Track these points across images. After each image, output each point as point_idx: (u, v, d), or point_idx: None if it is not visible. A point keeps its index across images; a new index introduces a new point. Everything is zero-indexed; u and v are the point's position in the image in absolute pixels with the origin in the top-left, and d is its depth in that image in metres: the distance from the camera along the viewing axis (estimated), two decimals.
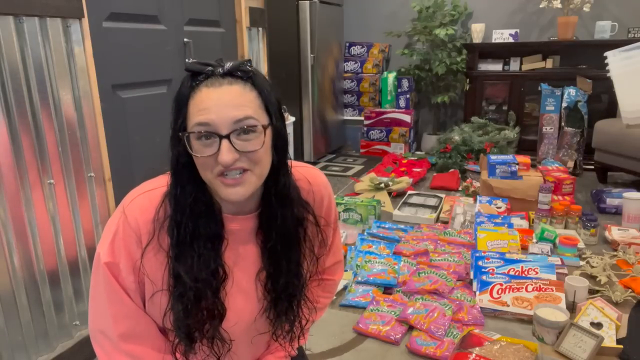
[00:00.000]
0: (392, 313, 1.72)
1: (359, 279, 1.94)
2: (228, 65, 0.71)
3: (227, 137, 0.69)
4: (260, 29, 2.72)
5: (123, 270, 0.75)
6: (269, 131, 0.73)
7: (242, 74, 0.72)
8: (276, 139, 0.76)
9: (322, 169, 3.84)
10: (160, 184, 0.78)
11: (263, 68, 2.78)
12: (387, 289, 1.91)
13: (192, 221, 0.75)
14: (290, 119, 3.56)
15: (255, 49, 2.70)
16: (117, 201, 1.70)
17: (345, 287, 1.92)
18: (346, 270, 2.07)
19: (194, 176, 0.74)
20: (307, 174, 0.88)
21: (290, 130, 3.56)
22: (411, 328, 1.65)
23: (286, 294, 0.83)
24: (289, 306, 0.85)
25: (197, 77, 0.72)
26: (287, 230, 0.81)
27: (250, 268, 0.83)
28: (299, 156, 3.91)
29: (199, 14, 2.19)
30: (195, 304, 0.75)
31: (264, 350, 0.96)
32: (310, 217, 0.85)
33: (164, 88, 1.98)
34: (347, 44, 4.53)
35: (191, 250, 0.75)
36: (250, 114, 0.70)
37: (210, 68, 0.71)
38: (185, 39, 2.10)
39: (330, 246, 0.98)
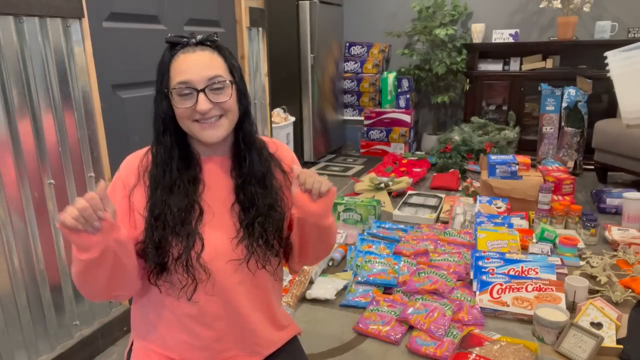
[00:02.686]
0: (392, 313, 1.72)
1: (359, 279, 1.94)
2: (199, 37, 0.90)
3: (203, 90, 0.87)
4: (260, 29, 2.72)
5: (116, 192, 0.94)
6: (234, 87, 0.91)
7: (210, 43, 0.90)
8: (240, 95, 0.93)
9: (322, 169, 3.85)
10: (149, 147, 0.96)
11: (263, 68, 2.78)
12: (387, 289, 1.91)
13: (173, 163, 0.91)
14: (290, 119, 3.56)
15: (255, 49, 2.70)
16: None
17: (345, 287, 1.92)
18: (346, 270, 2.07)
19: (175, 127, 0.91)
20: (275, 141, 1.04)
21: (290, 130, 3.57)
22: (411, 328, 1.65)
23: (259, 221, 0.93)
24: (264, 231, 0.93)
25: (175, 47, 0.89)
26: (255, 168, 0.95)
27: (226, 202, 0.95)
28: (299, 156, 3.91)
29: (199, 14, 2.19)
30: (170, 233, 0.88)
31: (255, 299, 0.97)
32: (276, 163, 0.99)
33: None
34: (347, 44, 4.53)
35: (170, 189, 0.90)
36: (220, 73, 0.89)
37: (185, 39, 0.89)
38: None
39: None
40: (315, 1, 3.66)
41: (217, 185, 0.95)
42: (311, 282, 1.95)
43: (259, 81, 2.75)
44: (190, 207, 0.91)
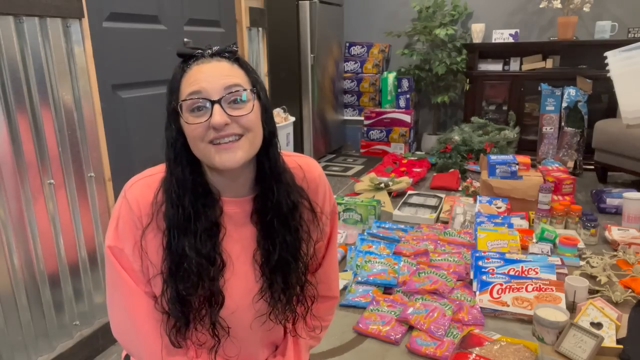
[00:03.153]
0: (392, 313, 1.72)
1: (359, 279, 1.94)
2: (215, 47, 0.78)
3: (218, 102, 0.73)
4: (260, 29, 2.72)
5: (129, 254, 0.78)
6: (257, 101, 0.77)
7: (229, 54, 0.78)
8: (264, 113, 0.79)
9: (323, 168, 3.84)
10: (159, 170, 0.82)
11: (263, 68, 2.78)
12: (387, 289, 1.91)
13: (190, 203, 0.77)
14: (290, 119, 3.56)
15: (255, 49, 2.70)
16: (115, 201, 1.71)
17: (345, 287, 1.92)
18: (346, 270, 2.07)
19: (191, 158, 0.77)
20: (300, 163, 0.89)
21: (290, 130, 3.56)
22: (411, 328, 1.65)
23: (281, 272, 0.83)
24: (285, 286, 0.84)
25: (188, 60, 0.77)
26: (282, 209, 0.81)
27: (247, 250, 0.84)
28: None
29: (199, 14, 2.19)
30: (191, 289, 0.77)
31: (267, 341, 0.94)
32: (305, 202, 0.85)
33: (164, 88, 1.97)
34: (347, 44, 4.53)
35: (189, 235, 0.77)
36: (239, 82, 0.75)
37: (199, 51, 0.77)
38: (185, 39, 2.10)
39: (325, 256, 0.96)
40: (315, 1, 3.66)
41: (238, 231, 0.83)
42: None
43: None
44: (212, 259, 0.78)
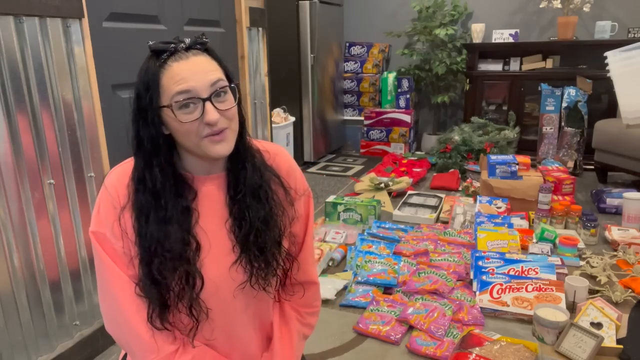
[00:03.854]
0: (392, 313, 1.72)
1: (359, 279, 1.94)
2: (188, 40, 0.79)
3: (209, 99, 0.77)
4: (260, 29, 2.72)
5: (110, 237, 0.81)
6: (236, 91, 0.82)
7: (201, 46, 0.80)
8: (238, 101, 0.84)
9: (322, 169, 3.84)
10: (131, 161, 0.85)
11: (263, 68, 2.78)
12: (387, 289, 1.91)
13: (163, 191, 0.80)
14: (290, 119, 3.56)
15: (255, 49, 2.70)
16: None
17: (345, 287, 1.92)
18: (346, 270, 2.07)
19: (167, 150, 0.81)
20: (269, 148, 0.94)
21: (290, 130, 3.57)
22: (411, 328, 1.65)
23: (255, 240, 0.86)
24: (261, 252, 0.86)
25: (160, 55, 0.78)
26: (254, 182, 0.86)
27: (221, 224, 0.87)
28: (299, 156, 3.91)
29: (198, 14, 2.19)
30: (166, 272, 0.79)
31: (256, 321, 0.93)
32: (276, 179, 0.90)
33: None
34: (347, 44, 4.53)
35: (160, 222, 0.80)
36: (220, 76, 0.79)
37: (173, 45, 0.78)
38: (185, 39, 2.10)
39: (304, 238, 0.97)
40: (315, 1, 3.66)
41: (212, 208, 0.86)
42: None
43: (258, 81, 2.75)
44: (186, 241, 0.81)
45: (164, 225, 0.80)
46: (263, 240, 0.86)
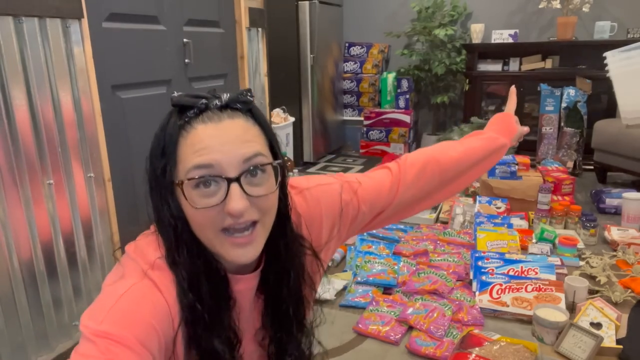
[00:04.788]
0: (392, 313, 1.72)
1: (359, 279, 1.94)
2: (226, 96, 0.60)
3: (237, 179, 0.57)
4: (259, 29, 2.73)
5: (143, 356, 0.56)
6: (279, 172, 0.62)
7: (243, 105, 0.61)
8: (282, 184, 0.66)
9: (322, 169, 3.85)
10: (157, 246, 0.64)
11: (263, 68, 2.79)
12: (387, 289, 1.91)
13: (203, 286, 0.62)
14: (290, 119, 3.56)
15: (254, 50, 2.70)
16: (117, 202, 1.71)
17: (345, 288, 1.92)
18: (345, 271, 2.07)
19: (191, 237, 0.62)
20: (300, 200, 0.76)
21: (289, 130, 3.57)
22: (411, 328, 1.65)
23: (290, 342, 0.72)
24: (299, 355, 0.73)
25: (186, 112, 0.59)
26: (298, 286, 0.69)
27: (253, 329, 0.71)
28: (299, 157, 3.91)
29: (198, 15, 2.20)
30: None
31: None
32: (309, 252, 0.73)
33: (164, 88, 1.98)
34: (347, 44, 4.53)
35: (214, 328, 0.63)
36: (260, 150, 0.59)
37: (204, 101, 0.59)
38: (184, 40, 2.10)
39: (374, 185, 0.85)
40: (315, 1, 3.66)
41: (246, 306, 0.69)
42: None
43: (258, 81, 2.76)
44: (229, 340, 0.65)
45: (208, 323, 0.62)
46: (300, 338, 0.73)
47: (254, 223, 0.60)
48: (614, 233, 2.28)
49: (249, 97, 0.62)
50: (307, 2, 3.64)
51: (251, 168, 0.58)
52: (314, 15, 3.68)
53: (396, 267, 2.00)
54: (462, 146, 0.95)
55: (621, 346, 1.45)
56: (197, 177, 0.56)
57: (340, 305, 1.82)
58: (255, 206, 0.59)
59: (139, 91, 1.87)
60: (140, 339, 0.54)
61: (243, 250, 0.60)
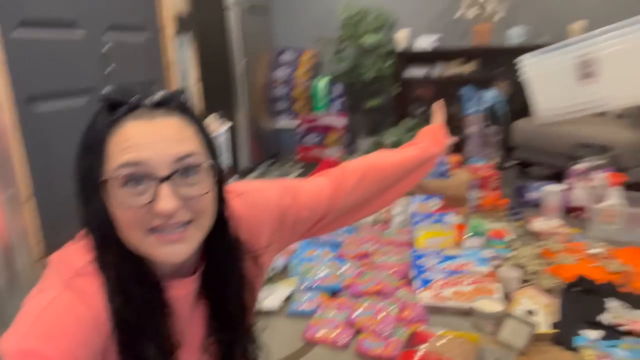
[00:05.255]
0: (340, 317, 1.71)
1: (305, 285, 1.92)
2: (160, 94, 0.58)
3: (168, 178, 0.55)
4: (187, 35, 2.64)
5: None
6: (214, 173, 0.61)
7: (178, 105, 0.59)
8: (220, 185, 0.64)
9: (260, 176, 3.79)
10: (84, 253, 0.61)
11: (192, 75, 2.70)
12: (333, 293, 1.91)
13: (129, 296, 0.58)
14: (225, 125, 3.47)
15: (183, 56, 2.61)
16: (44, 222, 1.56)
17: (290, 295, 1.90)
18: (290, 277, 2.04)
19: (120, 239, 0.59)
20: (240, 204, 0.74)
21: (226, 137, 3.48)
22: (359, 330, 1.65)
23: (237, 348, 0.71)
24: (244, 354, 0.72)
25: (116, 109, 0.57)
26: (239, 290, 0.68)
27: (192, 343, 0.67)
28: (236, 164, 3.83)
29: (121, 19, 2.08)
30: None
31: None
32: (248, 255, 0.72)
33: (85, 98, 1.85)
34: (278, 50, 4.52)
35: (145, 332, 0.60)
36: (194, 150, 0.58)
37: (137, 97, 0.57)
38: (106, 46, 1.98)
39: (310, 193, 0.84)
40: (242, 8, 3.62)
41: (183, 315, 0.66)
42: None
43: (189, 89, 2.66)
44: (162, 348, 0.62)
45: (139, 331, 0.59)
46: (244, 343, 0.73)
47: (188, 222, 0.58)
48: (538, 224, 2.44)
49: (184, 97, 0.61)
50: (235, 9, 3.59)
51: (184, 167, 0.57)
52: (244, 21, 3.63)
53: (341, 270, 2.00)
54: (399, 154, 1.00)
55: (554, 331, 1.55)
56: (124, 175, 0.55)
57: (287, 313, 1.79)
58: (189, 207, 0.58)
59: (59, 102, 1.73)
60: (68, 353, 0.52)
61: (174, 248, 0.57)
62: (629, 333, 1.54)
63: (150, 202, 0.55)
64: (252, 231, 0.74)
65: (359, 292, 1.85)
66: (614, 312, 1.64)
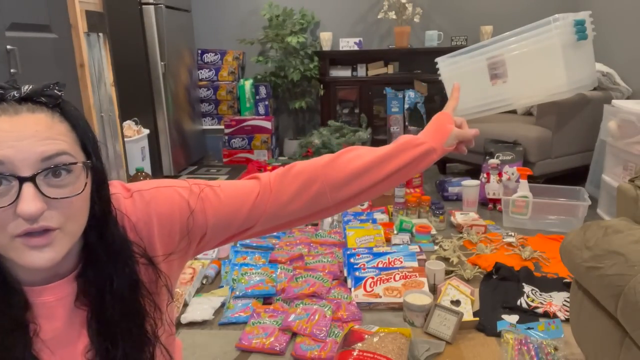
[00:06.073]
0: (274, 323, 1.69)
1: (237, 293, 1.88)
2: (27, 87, 0.55)
3: (32, 179, 0.52)
4: (100, 34, 2.47)
5: None
6: (89, 173, 0.58)
7: (48, 99, 0.56)
8: (97, 184, 0.61)
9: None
10: None
11: (108, 77, 2.53)
12: (267, 299, 1.88)
13: None
14: (143, 132, 3.31)
15: (96, 57, 2.44)
16: None
17: (223, 305, 1.84)
18: (222, 287, 1.98)
19: None
20: (127, 204, 0.70)
21: (144, 143, 3.32)
22: (295, 335, 1.65)
23: None
24: None
25: None
26: (122, 290, 0.64)
27: (73, 350, 0.64)
28: (158, 171, 3.66)
29: (23, 18, 1.90)
30: None
31: None
32: (143, 260, 0.68)
33: None
34: (200, 51, 4.39)
35: None
36: (65, 149, 0.55)
37: (0, 91, 0.54)
38: (8, 47, 1.80)
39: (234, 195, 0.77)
40: (160, 5, 3.46)
41: (56, 325, 0.62)
42: (185, 305, 1.83)
43: (104, 92, 2.50)
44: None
45: None
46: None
47: (51, 229, 0.55)
48: (458, 217, 2.58)
49: (55, 91, 0.57)
50: (152, 7, 3.43)
51: (52, 166, 0.54)
52: (161, 20, 3.48)
53: (274, 275, 1.98)
54: (369, 155, 0.84)
55: (477, 318, 1.65)
56: None
57: (219, 323, 1.74)
58: (57, 210, 0.55)
59: None
60: None
61: (39, 254, 0.54)
62: (545, 314, 1.68)
63: (11, 203, 0.52)
64: (143, 231, 0.69)
65: (293, 295, 1.85)
66: (531, 296, 1.78)
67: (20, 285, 0.60)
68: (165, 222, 0.70)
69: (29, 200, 0.52)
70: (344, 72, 4.31)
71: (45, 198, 0.54)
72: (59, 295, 0.62)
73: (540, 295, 1.79)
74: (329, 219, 2.60)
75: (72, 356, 0.64)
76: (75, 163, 0.56)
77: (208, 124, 4.41)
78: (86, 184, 0.58)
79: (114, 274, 0.63)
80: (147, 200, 0.70)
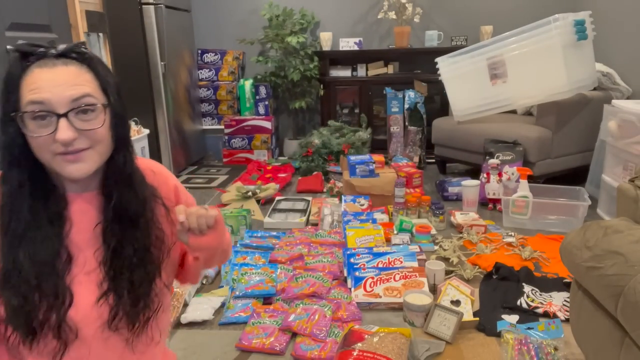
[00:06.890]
0: (274, 323, 1.70)
1: (237, 293, 1.88)
2: (61, 47, 0.73)
3: (65, 115, 0.71)
4: (100, 34, 2.48)
5: None
6: (108, 110, 0.76)
7: (77, 55, 0.74)
8: (115, 119, 0.78)
9: (185, 182, 3.65)
10: None
11: None
12: (267, 299, 1.88)
13: (29, 210, 0.74)
14: (143, 132, 3.31)
15: None
16: None
17: (223, 305, 1.85)
18: (222, 286, 1.98)
19: (29, 158, 0.74)
20: (150, 165, 0.91)
21: (144, 144, 3.32)
22: (295, 335, 1.65)
23: (127, 274, 0.80)
24: (130, 289, 0.80)
25: (27, 58, 0.72)
26: (128, 208, 0.80)
27: (90, 248, 0.81)
28: None
29: (23, 18, 1.90)
30: (35, 290, 0.73)
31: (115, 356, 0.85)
32: (158, 199, 0.86)
33: None
34: (200, 51, 4.39)
35: (28, 232, 0.74)
36: (88, 92, 0.73)
37: (42, 49, 0.72)
38: (8, 46, 1.80)
39: None
40: (160, 5, 3.46)
41: (87, 225, 0.80)
42: (185, 305, 1.83)
43: None
44: (55, 254, 0.75)
45: (24, 238, 0.73)
46: (136, 278, 0.80)
47: (88, 148, 0.74)
48: (458, 217, 2.58)
49: (83, 49, 0.75)
50: (152, 7, 3.43)
51: (77, 107, 0.72)
52: (162, 20, 3.48)
53: (274, 275, 1.98)
54: None
55: (477, 318, 1.65)
56: (29, 111, 0.70)
57: (219, 323, 1.74)
58: (86, 137, 0.73)
59: None
60: None
61: (75, 166, 0.73)
62: (545, 314, 1.68)
63: (52, 132, 0.71)
64: (157, 184, 0.88)
65: (293, 295, 1.85)
66: (531, 296, 1.78)
67: (63, 191, 0.79)
68: (165, 193, 0.89)
69: (64, 130, 0.70)
70: (344, 72, 4.31)
71: (76, 129, 0.72)
72: (88, 204, 0.81)
73: (540, 295, 1.79)
74: (329, 219, 2.60)
75: (91, 257, 0.81)
76: (95, 104, 0.73)
77: (208, 124, 4.42)
78: (104, 120, 0.75)
79: (122, 191, 0.80)
80: (158, 171, 0.92)
